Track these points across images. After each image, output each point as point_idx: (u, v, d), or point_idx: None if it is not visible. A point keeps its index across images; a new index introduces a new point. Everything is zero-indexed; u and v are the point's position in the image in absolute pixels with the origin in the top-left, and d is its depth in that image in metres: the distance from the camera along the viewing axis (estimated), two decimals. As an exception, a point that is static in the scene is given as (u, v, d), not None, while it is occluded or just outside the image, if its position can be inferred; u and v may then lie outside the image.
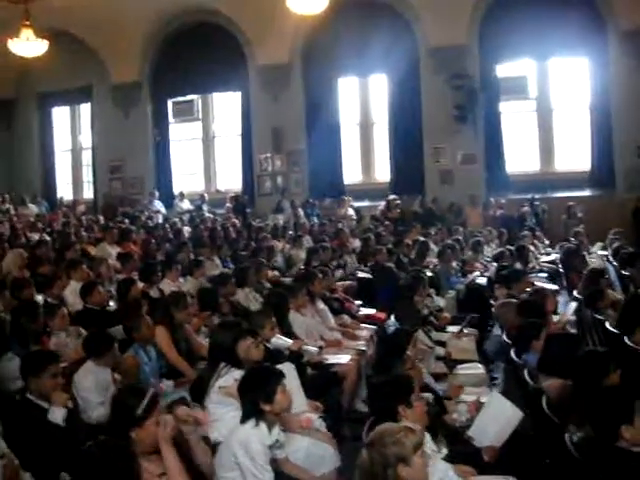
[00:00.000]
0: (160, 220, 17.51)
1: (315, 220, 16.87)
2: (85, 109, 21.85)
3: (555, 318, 7.73)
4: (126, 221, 15.90)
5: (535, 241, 14.08)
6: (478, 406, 5.16)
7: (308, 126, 19.02)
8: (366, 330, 8.34)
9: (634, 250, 11.04)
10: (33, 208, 19.06)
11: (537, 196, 16.96)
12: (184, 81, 19.87)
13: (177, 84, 20.07)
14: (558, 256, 12.94)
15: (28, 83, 21.06)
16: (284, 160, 19.28)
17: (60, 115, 22.40)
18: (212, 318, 7.43)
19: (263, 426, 4.22)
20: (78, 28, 19.30)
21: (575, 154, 18.04)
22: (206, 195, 19.74)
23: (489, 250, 13.41)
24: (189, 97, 20.44)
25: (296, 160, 19.18)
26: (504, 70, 17.95)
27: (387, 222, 16.12)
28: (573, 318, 8.46)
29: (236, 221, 16.59)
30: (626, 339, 6.06)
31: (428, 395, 5.02)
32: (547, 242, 15.07)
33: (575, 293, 9.18)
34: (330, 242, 13.03)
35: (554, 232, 15.99)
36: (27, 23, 14.88)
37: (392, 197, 17.61)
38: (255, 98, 19.37)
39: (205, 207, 18.98)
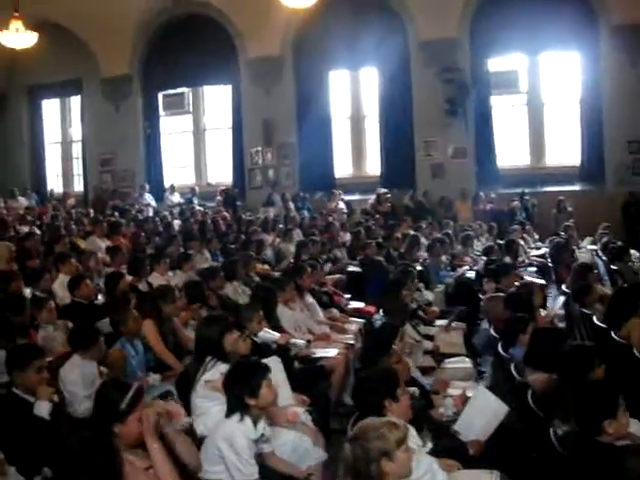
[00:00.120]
0: (150, 213, 17.46)
1: (306, 214, 16.85)
2: (75, 102, 21.78)
3: (543, 312, 7.75)
4: (116, 214, 15.86)
5: (525, 235, 14.11)
6: (464, 400, 5.16)
7: (299, 119, 19.00)
8: (355, 324, 8.34)
9: (623, 244, 11.10)
10: (23, 201, 18.98)
11: (527, 190, 17.01)
12: (175, 74, 19.81)
13: (168, 77, 20.01)
14: (547, 250, 12.99)
15: (17, 75, 20.94)
16: (275, 153, 19.25)
17: (50, 108, 22.31)
18: (200, 311, 7.42)
19: (248, 420, 4.21)
20: (68, 20, 19.23)
21: (565, 149, 18.10)
22: (197, 188, 19.77)
23: (479, 244, 13.42)
24: (180, 90, 20.44)
25: (287, 153, 19.16)
26: (495, 64, 17.97)
27: (378, 216, 16.13)
28: (561, 312, 8.50)
29: (226, 214, 16.56)
30: (613, 334, 6.08)
31: (414, 389, 5.02)
32: (537, 236, 15.10)
33: (563, 287, 9.22)
34: (320, 236, 13.03)
35: (544, 226, 16.04)
36: (16, 14, 14.78)
37: (383, 191, 17.61)
38: (246, 91, 19.33)
39: (196, 200, 18.96)
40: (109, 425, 3.67)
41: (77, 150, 22.00)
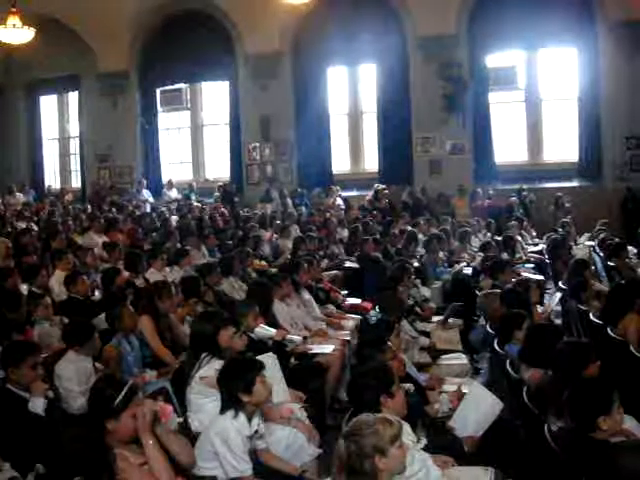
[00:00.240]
0: (148, 209, 17.45)
1: (304, 210, 16.84)
2: (73, 98, 21.74)
3: (540, 309, 7.75)
4: (113, 210, 15.85)
5: (522, 231, 14.08)
6: (460, 396, 5.17)
7: (297, 115, 18.99)
8: (352, 320, 8.33)
9: (620, 241, 11.08)
10: (20, 197, 18.98)
11: (525, 186, 16.97)
12: (172, 70, 19.79)
13: (165, 73, 19.98)
14: (545, 247, 12.98)
15: (15, 71, 20.90)
16: (273, 149, 19.25)
17: (47, 104, 22.26)
18: (196, 307, 7.41)
19: (242, 417, 4.21)
20: (65, 16, 19.20)
21: (563, 145, 18.08)
22: (194, 184, 19.76)
23: (477, 240, 13.40)
24: (177, 86, 20.42)
25: (285, 149, 19.16)
26: (493, 60, 17.93)
27: (375, 212, 16.12)
28: (558, 308, 8.51)
29: (224, 210, 16.55)
30: (609, 330, 6.07)
31: (409, 385, 5.01)
32: (534, 233, 15.08)
33: (560, 284, 9.21)
34: (318, 232, 13.02)
35: (542, 223, 16.02)
36: (14, 10, 14.70)
37: (381, 186, 17.60)
38: (244, 87, 19.30)
39: (193, 196, 18.96)
40: (103, 421, 3.67)
41: (75, 146, 21.97)
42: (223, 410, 4.25)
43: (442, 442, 4.50)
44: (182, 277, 8.35)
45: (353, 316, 8.50)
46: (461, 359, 7.00)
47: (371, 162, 19.26)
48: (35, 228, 13.14)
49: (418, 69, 17.74)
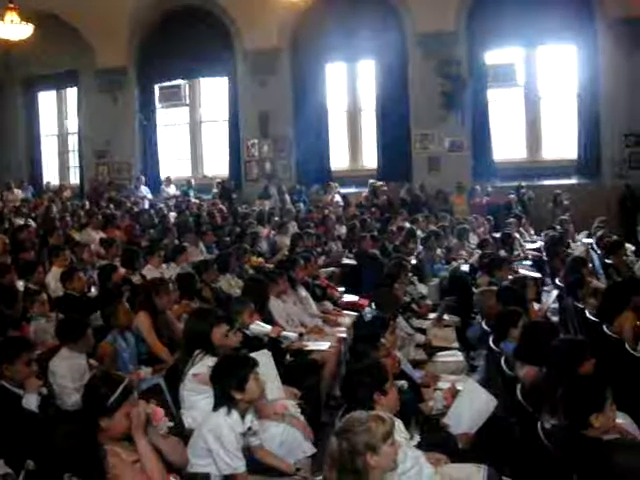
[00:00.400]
0: (146, 206, 17.44)
1: (302, 206, 16.83)
2: (71, 94, 21.69)
3: (537, 306, 7.74)
4: (111, 206, 15.84)
5: (521, 229, 14.07)
6: (454, 393, 5.16)
7: (296, 112, 18.96)
8: (348, 317, 8.32)
9: (618, 238, 11.07)
10: (19, 193, 18.96)
11: (524, 184, 16.96)
12: (171, 66, 19.72)
13: (164, 69, 19.94)
14: (542, 244, 12.96)
15: (13, 67, 20.85)
16: (271, 146, 19.22)
17: (46, 100, 22.23)
18: (193, 304, 7.39)
19: (235, 414, 4.20)
20: (64, 11, 19.15)
21: (562, 142, 18.06)
22: (193, 180, 19.76)
23: (475, 238, 13.39)
24: (176, 82, 20.38)
25: (283, 146, 19.13)
26: (492, 57, 17.90)
27: (373, 209, 16.11)
28: (555, 306, 8.50)
29: (222, 207, 16.53)
30: (605, 328, 6.06)
31: (403, 382, 5.00)
32: (532, 230, 15.07)
33: (557, 281, 9.21)
34: (316, 229, 13.01)
35: (540, 220, 15.99)
36: (11, 6, 14.69)
37: (379, 183, 17.59)
38: (242, 83, 19.27)
39: (192, 193, 18.95)
40: (96, 419, 3.66)
41: (73, 142, 21.95)
42: (216, 407, 4.24)
43: (436, 439, 4.51)
44: (178, 274, 8.33)
45: (349, 313, 8.50)
46: (457, 356, 7.01)
47: (370, 159, 19.24)
48: (33, 224, 13.13)
49: (417, 66, 17.71)
